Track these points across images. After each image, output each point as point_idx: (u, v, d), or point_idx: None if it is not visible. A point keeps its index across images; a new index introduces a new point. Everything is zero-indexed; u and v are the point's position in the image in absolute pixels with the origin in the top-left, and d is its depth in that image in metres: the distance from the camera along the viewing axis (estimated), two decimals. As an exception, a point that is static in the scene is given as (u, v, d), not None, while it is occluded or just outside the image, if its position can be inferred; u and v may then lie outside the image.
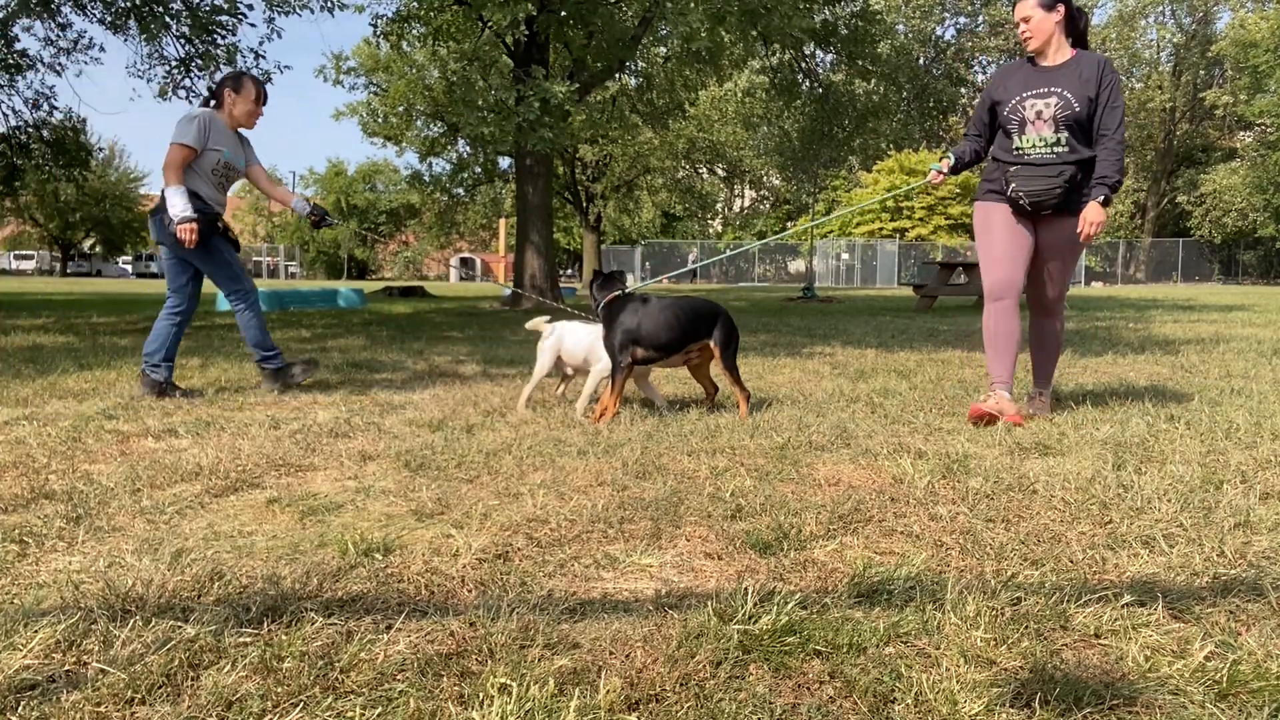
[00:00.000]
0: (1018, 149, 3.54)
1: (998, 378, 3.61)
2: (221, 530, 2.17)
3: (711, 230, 47.45)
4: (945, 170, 3.83)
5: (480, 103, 13.17)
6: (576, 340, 3.88)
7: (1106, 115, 3.40)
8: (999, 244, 3.62)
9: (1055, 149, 3.47)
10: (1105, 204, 3.37)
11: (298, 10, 12.43)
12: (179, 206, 4.06)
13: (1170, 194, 41.48)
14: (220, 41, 12.53)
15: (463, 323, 10.61)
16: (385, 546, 2.00)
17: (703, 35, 11.86)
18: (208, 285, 4.39)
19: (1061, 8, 3.48)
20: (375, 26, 14.12)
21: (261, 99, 4.46)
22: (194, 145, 4.15)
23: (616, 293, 3.69)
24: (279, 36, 12.51)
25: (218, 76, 12.14)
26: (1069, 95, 3.42)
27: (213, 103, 4.43)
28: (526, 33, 13.21)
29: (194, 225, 4.07)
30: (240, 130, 4.48)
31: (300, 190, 58.96)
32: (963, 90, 37.75)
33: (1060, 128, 3.45)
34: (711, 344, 3.67)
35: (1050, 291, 3.70)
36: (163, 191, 4.13)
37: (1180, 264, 40.39)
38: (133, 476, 2.64)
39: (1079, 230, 3.41)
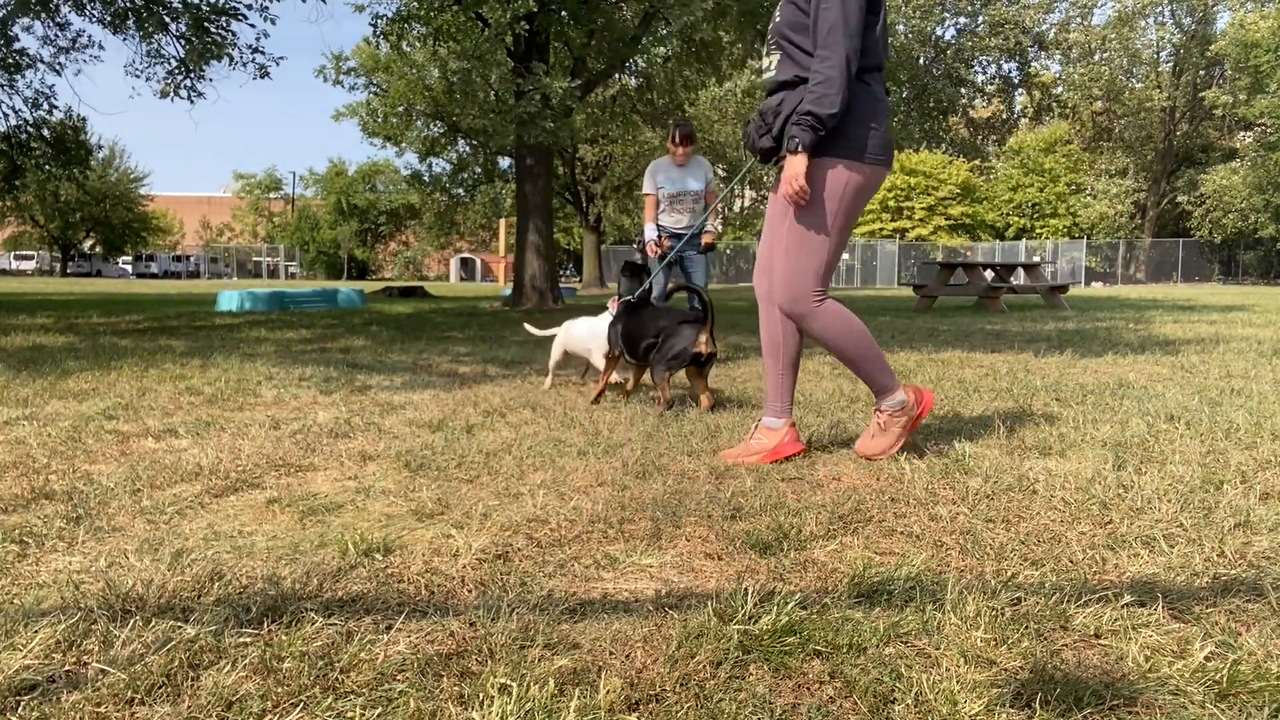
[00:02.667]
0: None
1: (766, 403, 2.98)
2: (221, 530, 2.17)
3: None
4: None
5: (480, 96, 13.19)
6: (580, 334, 4.51)
7: (819, 15, 2.50)
8: None
9: (769, 73, 2.72)
10: (796, 150, 2.49)
11: None
12: (646, 235, 6.07)
13: (1170, 194, 41.47)
14: (221, 40, 12.54)
15: (463, 323, 10.61)
16: (385, 546, 2.00)
17: (704, 26, 11.93)
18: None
19: None
20: (375, 27, 14.11)
21: (673, 139, 5.95)
22: (649, 191, 6.04)
23: (626, 299, 4.06)
24: (273, 24, 12.56)
25: (211, 72, 12.25)
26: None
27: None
28: (527, 28, 13.20)
29: (651, 244, 5.96)
30: (692, 161, 6.09)
31: (300, 191, 59.17)
32: (963, 90, 37.73)
33: (773, 46, 2.70)
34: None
35: (773, 273, 2.80)
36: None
37: (1180, 264, 40.41)
38: (133, 476, 2.64)
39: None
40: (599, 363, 4.32)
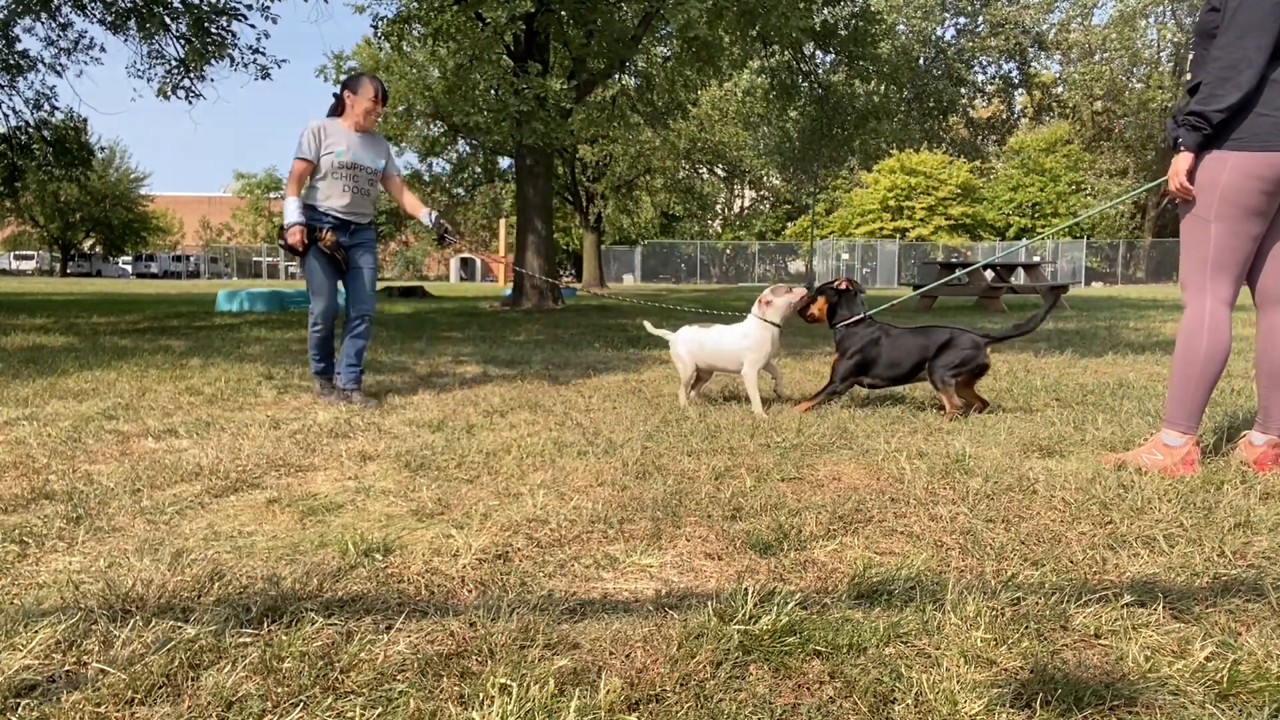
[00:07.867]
0: None
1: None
2: (221, 530, 2.17)
3: (711, 231, 47.47)
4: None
5: (477, 91, 13.18)
6: (709, 341, 4.01)
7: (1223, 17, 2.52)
8: None
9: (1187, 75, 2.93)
10: (1178, 148, 2.61)
11: None
12: (288, 217, 4.17)
13: (1171, 194, 41.35)
14: (221, 41, 12.55)
15: (463, 323, 10.61)
16: (385, 546, 2.00)
17: (701, 25, 11.92)
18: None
19: None
20: (376, 28, 14.11)
21: (373, 96, 4.29)
22: (308, 157, 4.20)
23: (856, 317, 4.05)
24: (274, 23, 12.54)
25: (212, 73, 12.15)
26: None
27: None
28: (524, 27, 13.21)
29: (296, 229, 4.13)
30: (373, 135, 4.41)
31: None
32: (962, 90, 37.71)
33: (1194, 46, 2.76)
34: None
35: None
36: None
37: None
38: (133, 476, 2.64)
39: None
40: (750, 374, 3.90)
